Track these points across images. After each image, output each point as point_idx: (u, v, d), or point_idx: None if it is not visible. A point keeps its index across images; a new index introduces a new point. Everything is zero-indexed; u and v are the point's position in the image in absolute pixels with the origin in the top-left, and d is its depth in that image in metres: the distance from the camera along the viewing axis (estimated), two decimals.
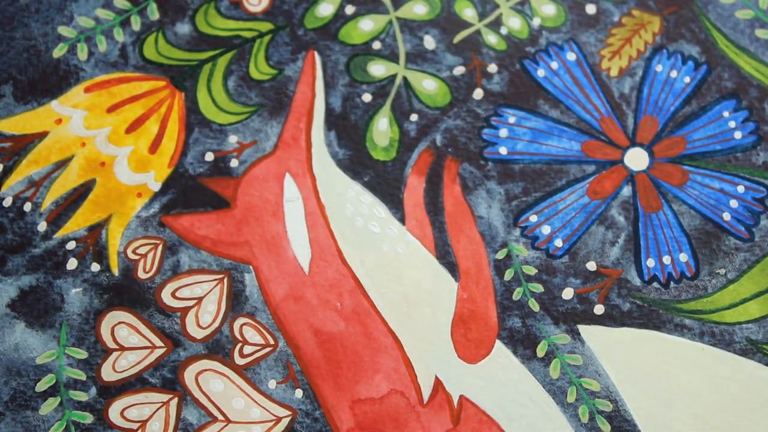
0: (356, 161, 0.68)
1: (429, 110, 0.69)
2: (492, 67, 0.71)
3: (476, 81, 0.70)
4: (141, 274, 0.65)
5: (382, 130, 0.69)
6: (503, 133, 0.68)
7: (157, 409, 0.62)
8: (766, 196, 0.62)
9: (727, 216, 0.62)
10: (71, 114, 0.70)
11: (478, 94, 0.70)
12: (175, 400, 0.62)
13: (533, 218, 0.64)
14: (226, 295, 0.64)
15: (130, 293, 0.65)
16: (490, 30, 0.72)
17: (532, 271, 0.63)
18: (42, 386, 0.63)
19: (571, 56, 0.70)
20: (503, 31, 0.72)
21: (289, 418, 0.61)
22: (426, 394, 0.61)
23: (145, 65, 0.72)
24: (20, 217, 0.68)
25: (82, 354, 0.64)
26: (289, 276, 0.64)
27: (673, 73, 0.68)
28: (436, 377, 0.61)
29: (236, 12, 0.73)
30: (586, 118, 0.68)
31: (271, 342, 0.63)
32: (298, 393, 0.61)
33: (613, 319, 0.61)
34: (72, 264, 0.66)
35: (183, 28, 0.73)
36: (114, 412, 0.62)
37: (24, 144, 0.70)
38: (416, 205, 0.66)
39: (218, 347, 0.63)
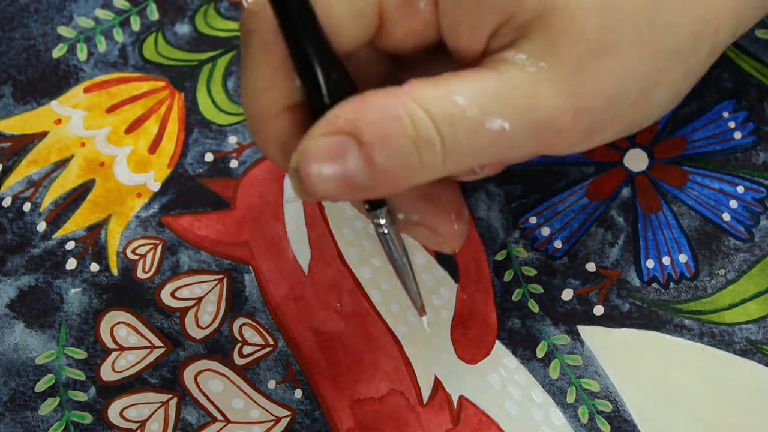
0: None
1: None
2: None
3: None
4: (140, 274, 0.65)
5: None
6: None
7: (157, 409, 0.62)
8: (766, 196, 0.62)
9: (726, 216, 0.62)
10: (71, 114, 0.70)
11: None
12: (175, 400, 0.62)
13: (533, 220, 0.64)
14: (225, 295, 0.64)
15: (130, 293, 0.65)
16: None
17: (531, 272, 0.63)
18: (41, 386, 0.63)
19: None
20: None
21: (289, 418, 0.61)
22: (426, 394, 0.60)
23: (144, 65, 0.72)
24: (19, 217, 0.67)
25: (81, 354, 0.63)
26: (289, 276, 0.64)
27: None
28: (436, 377, 0.61)
29: (236, 13, 0.73)
30: None
31: (271, 342, 0.63)
32: (298, 393, 0.61)
33: (612, 319, 0.61)
34: (71, 264, 0.66)
35: (183, 29, 0.73)
36: (113, 412, 0.62)
37: (23, 144, 0.70)
38: None
39: (218, 347, 0.63)
